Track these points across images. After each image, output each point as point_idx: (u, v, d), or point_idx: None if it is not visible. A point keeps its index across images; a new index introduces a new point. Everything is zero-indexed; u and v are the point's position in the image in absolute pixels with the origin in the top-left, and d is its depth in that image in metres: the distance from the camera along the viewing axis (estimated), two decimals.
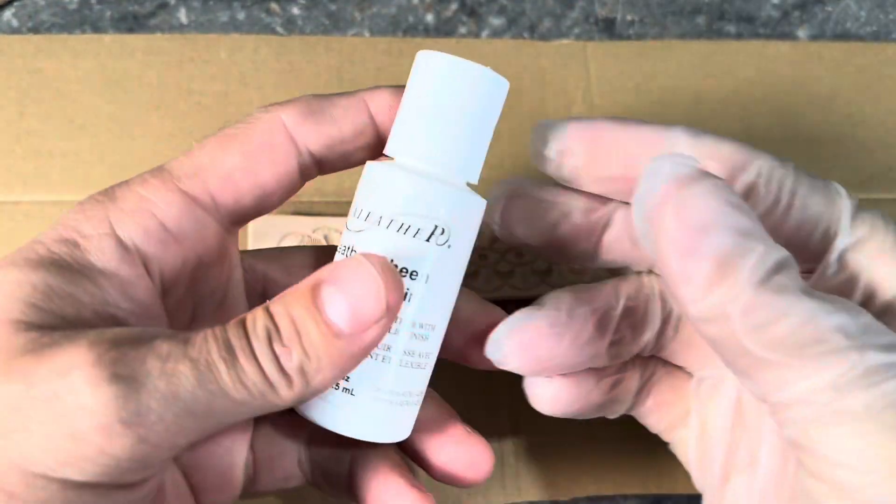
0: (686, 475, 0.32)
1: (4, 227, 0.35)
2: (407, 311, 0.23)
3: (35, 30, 0.39)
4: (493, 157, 0.38)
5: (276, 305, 0.21)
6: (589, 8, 0.41)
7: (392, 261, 0.22)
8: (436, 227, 0.22)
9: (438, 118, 0.23)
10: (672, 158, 0.20)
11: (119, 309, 0.22)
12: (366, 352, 0.21)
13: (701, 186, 0.19)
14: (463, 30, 0.40)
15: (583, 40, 0.40)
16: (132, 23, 0.39)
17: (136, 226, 0.22)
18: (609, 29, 0.41)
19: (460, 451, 0.26)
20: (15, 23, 0.39)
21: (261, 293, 0.26)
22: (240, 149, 0.23)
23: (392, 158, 0.24)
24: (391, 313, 0.21)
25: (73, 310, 0.21)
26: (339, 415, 0.23)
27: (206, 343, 0.20)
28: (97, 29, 0.39)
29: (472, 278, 0.35)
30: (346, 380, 0.23)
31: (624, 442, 0.33)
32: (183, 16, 0.40)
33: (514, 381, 0.34)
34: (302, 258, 0.27)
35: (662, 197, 0.19)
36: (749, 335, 0.19)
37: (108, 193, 0.23)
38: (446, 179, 0.23)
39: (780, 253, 0.19)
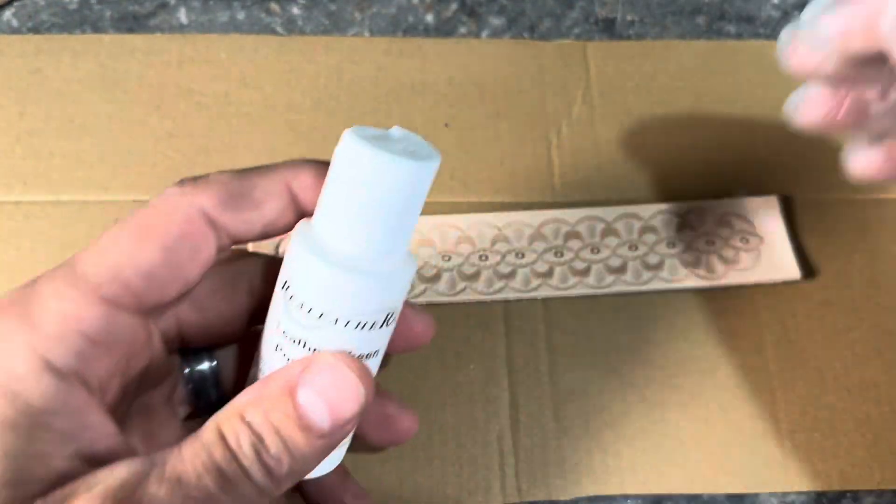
0: (685, 475, 0.33)
1: (4, 227, 0.35)
2: None
3: (35, 30, 0.39)
4: (493, 158, 0.38)
5: (253, 415, 0.21)
6: (589, 8, 0.41)
7: (351, 351, 0.23)
8: (388, 314, 0.23)
9: (371, 211, 0.22)
10: None
11: (81, 441, 0.21)
12: (340, 442, 0.22)
13: None
14: (463, 30, 0.40)
15: (583, 40, 0.40)
16: (132, 23, 0.39)
17: (67, 351, 0.21)
18: (609, 29, 0.41)
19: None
20: (15, 23, 0.39)
21: (175, 335, 0.26)
22: (158, 243, 0.22)
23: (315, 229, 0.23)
24: (366, 408, 0.21)
25: (42, 469, 0.20)
26: None
27: (201, 479, 0.20)
28: (97, 29, 0.39)
29: (473, 279, 0.35)
30: None
31: (624, 442, 0.33)
32: (183, 16, 0.40)
33: (514, 381, 0.34)
34: (207, 285, 0.26)
35: None
36: None
37: (22, 310, 0.21)
38: (391, 269, 0.23)
39: None
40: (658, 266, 0.35)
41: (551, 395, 0.34)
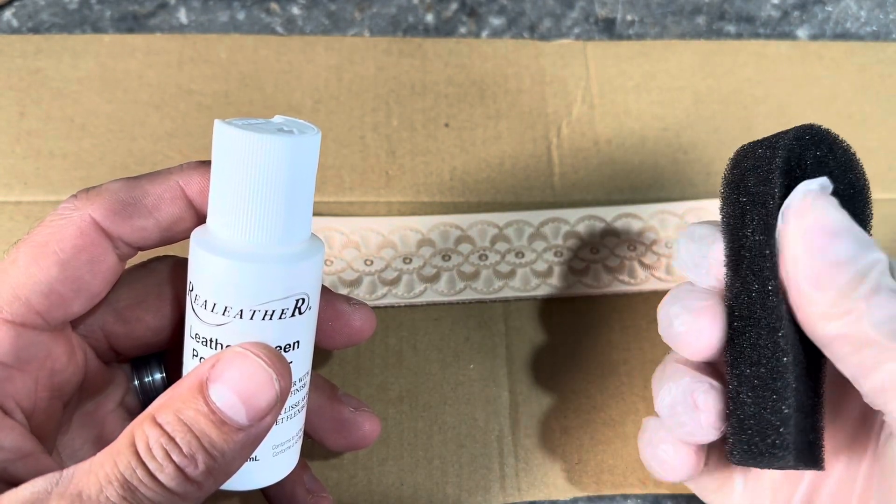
0: None
1: (4, 227, 0.35)
2: None
3: (35, 30, 0.39)
4: (493, 158, 0.38)
5: (163, 415, 0.20)
6: (589, 8, 0.41)
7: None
8: (297, 300, 0.22)
9: (257, 197, 0.22)
10: (821, 181, 0.23)
11: None
12: (265, 434, 0.21)
13: (834, 204, 0.22)
14: (463, 30, 0.40)
15: (583, 40, 0.40)
16: (132, 23, 0.39)
17: None
18: (609, 29, 0.41)
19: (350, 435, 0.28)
20: (15, 23, 0.39)
21: (107, 345, 0.26)
22: (54, 259, 0.22)
23: (212, 230, 0.23)
24: (284, 395, 0.21)
25: None
26: (247, 478, 0.24)
27: (103, 492, 0.19)
28: (97, 29, 0.39)
29: (473, 278, 0.35)
30: None
31: (624, 442, 0.33)
32: (183, 16, 0.40)
33: (513, 381, 0.34)
34: (129, 296, 0.26)
35: (804, 206, 0.22)
36: (875, 328, 0.21)
37: None
38: (291, 253, 0.22)
39: (891, 261, 0.22)
40: (656, 266, 0.35)
41: (551, 395, 0.34)
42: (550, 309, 0.35)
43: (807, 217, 0.22)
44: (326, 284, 0.34)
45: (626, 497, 0.32)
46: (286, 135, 0.22)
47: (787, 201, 0.23)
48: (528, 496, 0.32)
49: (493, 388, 0.34)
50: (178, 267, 0.27)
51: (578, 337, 0.35)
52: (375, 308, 0.35)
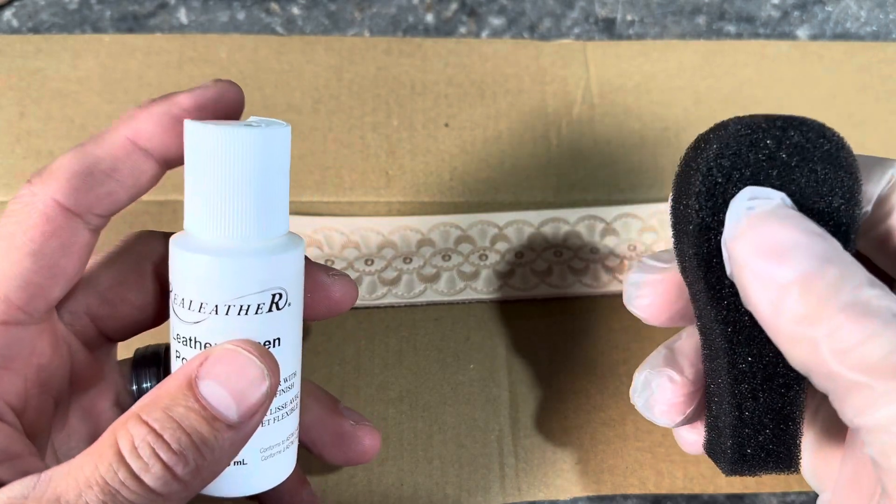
0: (684, 475, 0.32)
1: None
2: None
3: (35, 30, 0.39)
4: (494, 158, 0.38)
5: (150, 412, 0.19)
6: (589, 8, 0.41)
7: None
8: (274, 295, 0.22)
9: (229, 191, 0.22)
10: (751, 192, 0.21)
11: None
12: (253, 432, 0.21)
13: (776, 217, 0.20)
14: (463, 30, 0.40)
15: (583, 40, 0.40)
16: (132, 23, 0.39)
17: None
18: (609, 29, 0.41)
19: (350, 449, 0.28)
20: (15, 23, 0.39)
21: (94, 333, 0.26)
22: (26, 251, 0.22)
23: (191, 232, 0.23)
24: (273, 393, 0.21)
25: None
26: (236, 483, 0.24)
27: (81, 497, 0.19)
28: (97, 29, 0.39)
29: (473, 279, 0.35)
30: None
31: (624, 442, 0.33)
32: (183, 16, 0.40)
33: (513, 381, 0.34)
34: (111, 277, 0.26)
35: (739, 231, 0.20)
36: (835, 357, 0.18)
37: None
38: (265, 247, 0.22)
39: (865, 276, 0.19)
40: None
41: (551, 395, 0.33)
42: (550, 309, 0.35)
43: (743, 244, 0.20)
44: None
45: (626, 497, 0.32)
46: (255, 127, 0.22)
47: (724, 233, 0.21)
48: (528, 496, 0.32)
49: (493, 388, 0.34)
50: (153, 239, 0.26)
51: (578, 337, 0.35)
52: (375, 308, 0.35)
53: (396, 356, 0.34)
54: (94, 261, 0.26)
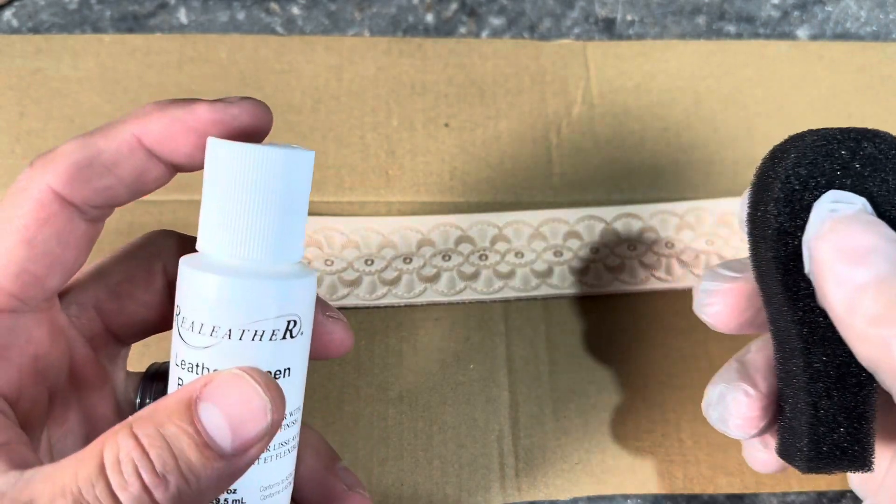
0: (684, 475, 0.32)
1: None
2: None
3: (35, 30, 0.39)
4: (494, 159, 0.38)
5: (142, 427, 0.18)
6: (589, 8, 0.41)
7: None
8: (289, 321, 0.22)
9: (250, 211, 0.21)
10: (834, 195, 0.22)
11: None
12: (247, 468, 0.20)
13: (858, 222, 0.21)
14: (463, 30, 0.40)
15: (583, 40, 0.40)
16: (132, 23, 0.39)
17: None
18: (609, 29, 0.41)
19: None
20: (15, 23, 0.39)
21: (101, 325, 0.25)
22: (20, 238, 0.21)
23: (203, 252, 0.22)
24: (275, 429, 0.20)
25: None
26: None
27: None
28: (97, 29, 0.39)
29: (473, 279, 0.35)
30: (234, 491, 0.22)
31: (624, 442, 0.33)
32: (183, 16, 0.40)
33: (513, 381, 0.34)
34: (122, 272, 0.25)
35: (822, 232, 0.21)
36: None
37: None
38: (282, 271, 0.22)
39: None
40: (656, 266, 0.35)
41: (551, 395, 0.33)
42: (550, 309, 0.35)
43: (824, 244, 0.21)
44: (327, 284, 0.34)
45: (626, 497, 0.32)
46: (282, 147, 0.21)
47: (806, 233, 0.22)
48: (528, 496, 0.32)
49: (493, 388, 0.34)
50: (168, 238, 0.26)
51: (578, 337, 0.35)
52: (375, 308, 0.35)
53: (396, 356, 0.34)
54: (106, 256, 0.26)
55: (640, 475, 0.32)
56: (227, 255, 0.21)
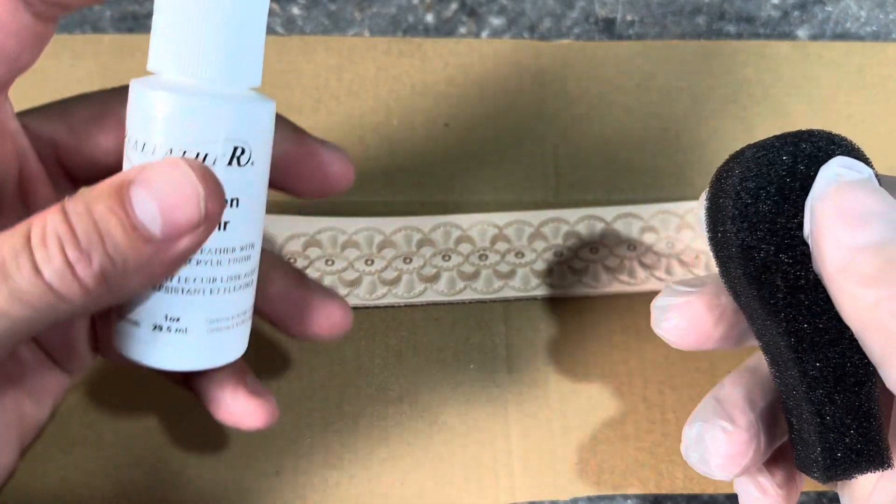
0: (684, 475, 0.32)
1: None
2: (225, 239, 0.22)
3: None
4: (493, 158, 0.38)
5: (73, 204, 0.18)
6: (589, 8, 0.41)
7: None
8: (235, 148, 0.21)
9: (200, 24, 0.20)
10: (841, 160, 0.22)
11: None
12: (180, 261, 0.20)
13: (863, 188, 0.21)
14: (463, 30, 0.40)
15: (583, 40, 0.40)
16: (132, 23, 0.39)
17: None
18: (609, 29, 0.41)
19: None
20: None
21: (55, 160, 0.25)
22: None
23: (154, 73, 0.21)
24: (210, 222, 0.19)
25: None
26: (174, 354, 0.22)
27: None
28: (97, 29, 0.39)
29: (473, 278, 0.35)
30: (177, 319, 0.22)
31: (624, 442, 0.33)
32: None
33: (513, 380, 0.34)
34: (86, 111, 0.25)
35: (826, 193, 0.21)
36: (894, 318, 0.19)
37: None
38: (230, 92, 0.21)
39: None
40: (656, 266, 0.35)
41: (551, 395, 0.34)
42: (550, 309, 0.35)
43: (827, 205, 0.21)
44: (327, 284, 0.34)
45: (626, 497, 0.32)
46: None
47: (811, 192, 0.22)
48: (528, 496, 0.32)
49: (493, 388, 0.34)
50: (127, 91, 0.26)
51: (578, 337, 0.35)
52: (375, 308, 0.35)
53: (396, 356, 0.34)
54: (76, 96, 0.25)
55: (640, 475, 0.32)
56: (177, 72, 0.21)
